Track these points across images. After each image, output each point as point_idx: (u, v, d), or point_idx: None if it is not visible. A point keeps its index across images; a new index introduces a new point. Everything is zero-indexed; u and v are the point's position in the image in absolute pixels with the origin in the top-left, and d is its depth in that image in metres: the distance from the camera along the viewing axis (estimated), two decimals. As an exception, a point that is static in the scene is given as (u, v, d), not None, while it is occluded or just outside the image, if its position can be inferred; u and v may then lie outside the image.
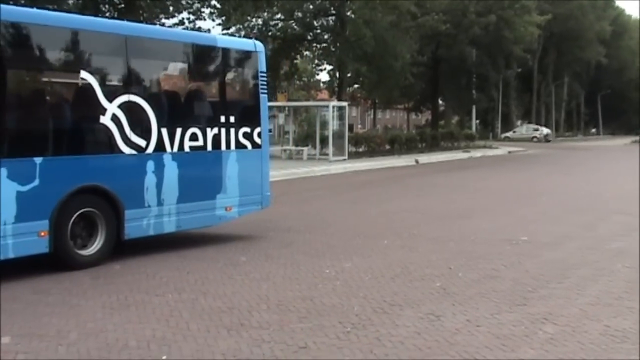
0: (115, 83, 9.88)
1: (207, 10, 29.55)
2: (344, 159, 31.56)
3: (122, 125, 9.38)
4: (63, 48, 9.21)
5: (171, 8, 27.10)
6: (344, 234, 11.79)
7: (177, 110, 10.72)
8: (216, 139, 10.71)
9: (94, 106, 9.18)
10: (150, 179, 9.76)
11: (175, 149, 10.09)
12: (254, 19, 38.90)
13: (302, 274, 8.64)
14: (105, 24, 10.23)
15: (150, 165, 9.77)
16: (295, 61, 45.87)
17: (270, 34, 40.41)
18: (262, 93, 11.66)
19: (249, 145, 11.24)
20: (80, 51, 9.37)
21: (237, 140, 11.03)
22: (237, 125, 11.06)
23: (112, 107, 9.31)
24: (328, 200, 17.56)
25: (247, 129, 11.21)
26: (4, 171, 8.05)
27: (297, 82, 58.40)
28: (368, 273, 8.67)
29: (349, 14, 38.43)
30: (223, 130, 10.82)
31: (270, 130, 40.83)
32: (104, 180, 9.22)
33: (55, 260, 8.74)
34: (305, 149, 33.26)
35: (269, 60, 41.19)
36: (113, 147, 9.34)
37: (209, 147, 10.62)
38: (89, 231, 9.14)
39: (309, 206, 16.19)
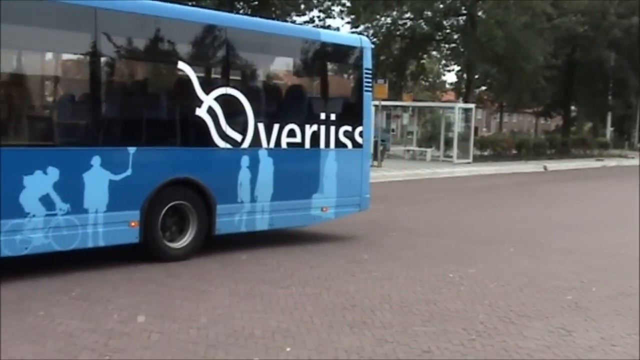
0: (212, 75, 9.87)
1: (337, 9, 29.85)
2: (468, 162, 30.99)
3: (217, 119, 9.25)
4: (161, 38, 9.09)
5: (302, 6, 27.50)
6: (468, 239, 11.57)
7: (275, 105, 10.59)
8: (315, 136, 10.41)
9: (190, 98, 9.09)
10: (244, 175, 9.56)
11: (272, 145, 9.85)
12: (382, 18, 38.86)
13: (425, 277, 8.54)
14: (205, 15, 9.90)
15: (245, 160, 9.57)
16: (422, 61, 45.47)
17: (398, 33, 40.25)
18: (366, 91, 11.19)
19: (350, 145, 10.87)
20: (178, 42, 9.23)
21: (337, 139, 10.67)
22: (338, 123, 10.70)
23: (208, 100, 9.18)
24: (451, 204, 17.30)
25: (348, 128, 10.85)
26: (98, 159, 8.09)
27: (423, 82, 57.94)
28: (494, 280, 8.46)
29: (480, 14, 37.63)
30: (323, 128, 10.50)
31: (393, 130, 40.91)
32: (197, 174, 9.08)
33: (145, 251, 8.74)
34: (428, 150, 32.92)
35: (395, 59, 41.21)
36: (208, 141, 9.19)
37: (307, 145, 10.32)
38: (180, 224, 9.10)
39: (431, 208, 16.01)
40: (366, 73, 11.18)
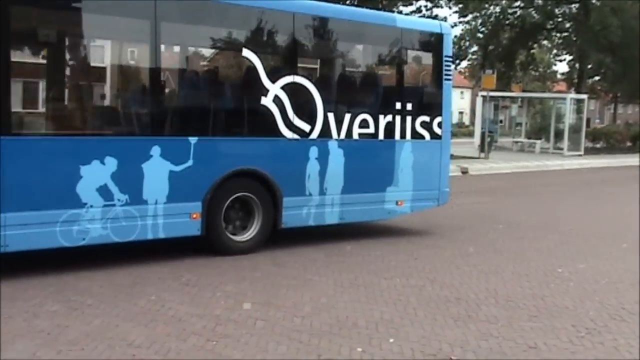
0: (279, 63, 9.50)
1: (445, -2, 29.40)
2: (580, 155, 29.93)
3: (284, 108, 8.92)
4: (225, 24, 8.81)
5: (410, -4, 27.32)
6: (578, 233, 11.18)
7: (346, 94, 10.17)
8: (389, 127, 9.93)
9: (255, 86, 8.79)
10: (312, 166, 9.21)
11: (343, 135, 9.47)
12: (491, 7, 38.00)
13: (533, 271, 8.32)
14: (269, 1, 9.04)
15: (314, 151, 9.21)
16: (532, 51, 44.18)
17: (507, 22, 39.26)
18: (446, 79, 10.66)
19: (427, 136, 10.36)
20: (242, 28, 8.92)
21: (413, 130, 10.17)
22: (415, 114, 10.20)
23: (274, 88, 8.84)
24: (561, 197, 16.74)
25: (426, 118, 10.32)
26: (157, 149, 7.91)
27: (533, 72, 56.28)
28: (605, 277, 8.14)
29: (594, 1, 36.15)
30: (398, 118, 10.01)
31: (500, 122, 39.94)
32: (262, 165, 8.78)
33: (207, 244, 8.55)
34: (538, 142, 32.03)
35: (504, 49, 40.22)
36: (274, 131, 8.85)
37: (381, 136, 9.87)
38: (245, 217, 8.87)
39: (540, 201, 15.56)
40: (446, 60, 10.70)
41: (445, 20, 29.28)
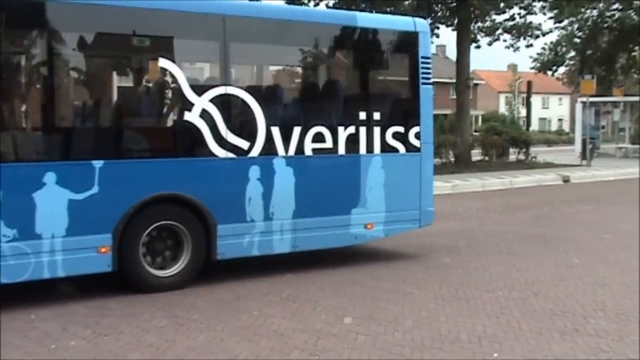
0: (207, 73, 8.68)
1: (538, 4, 28.66)
2: (690, 159, 28.44)
3: (215, 124, 7.84)
4: (137, 31, 7.76)
5: (502, 4, 26.76)
6: (693, 242, 10.61)
7: (295, 105, 9.23)
8: (352, 140, 8.76)
9: (176, 101, 7.94)
10: (253, 188, 8.09)
11: (292, 152, 8.34)
12: (588, 11, 36.81)
13: (644, 282, 7.97)
14: (198, 3, 7.98)
15: (255, 171, 8.10)
16: (633, 53, 42.47)
17: (605, 25, 37.91)
18: (424, 84, 9.35)
19: (402, 149, 9.12)
20: (159, 35, 7.91)
21: (383, 143, 8.97)
22: (385, 124, 9.00)
23: (201, 102, 7.77)
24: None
25: (400, 129, 9.10)
26: (52, 176, 6.92)
27: (635, 75, 54.07)
28: None
29: (699, -2, 34.43)
30: (362, 130, 8.83)
31: (602, 127, 38.55)
32: (188, 189, 7.69)
33: (124, 280, 7.55)
34: (643, 147, 30.69)
35: (603, 53, 38.82)
36: (202, 150, 7.81)
37: (342, 150, 8.70)
38: (176, 247, 7.80)
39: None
40: (424, 62, 9.37)
41: (539, 28, 28.59)
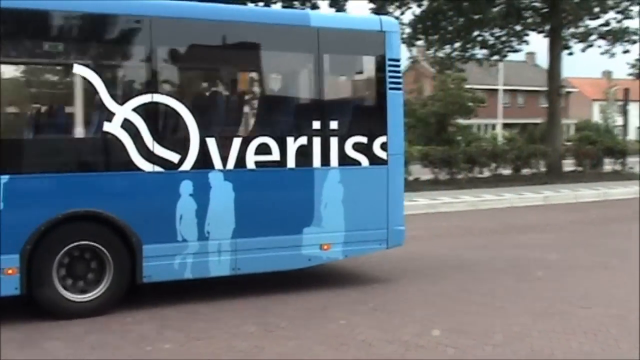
0: (129, 79, 7.87)
1: (636, 9, 27.63)
2: None
3: (139, 135, 7.26)
4: (49, 35, 7.27)
5: (596, 9, 25.96)
6: None
7: (234, 114, 8.49)
8: (303, 152, 7.98)
9: (94, 110, 7.38)
10: (185, 205, 7.43)
11: (231, 165, 7.66)
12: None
13: None
14: (121, 5, 7.43)
15: (187, 186, 7.45)
16: None
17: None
18: (393, 89, 8.47)
19: (364, 161, 8.27)
20: (72, 39, 7.39)
21: (342, 154, 8.16)
22: (343, 134, 8.22)
23: (123, 111, 7.21)
24: None
25: (362, 139, 8.27)
26: None
27: None
28: None
29: None
30: (316, 141, 8.05)
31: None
32: (108, 206, 7.11)
33: (38, 304, 6.98)
34: None
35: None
36: (124, 163, 7.23)
37: (291, 163, 7.93)
38: (98, 271, 7.20)
39: None
40: (391, 65, 8.49)
41: (637, 33, 27.57)
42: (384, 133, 8.41)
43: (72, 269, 7.09)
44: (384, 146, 8.39)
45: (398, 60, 8.60)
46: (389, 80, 8.46)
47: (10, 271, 6.73)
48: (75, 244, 7.06)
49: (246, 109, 8.79)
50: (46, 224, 6.87)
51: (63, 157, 7.25)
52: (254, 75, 9.14)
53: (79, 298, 7.08)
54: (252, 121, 8.63)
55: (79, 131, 7.59)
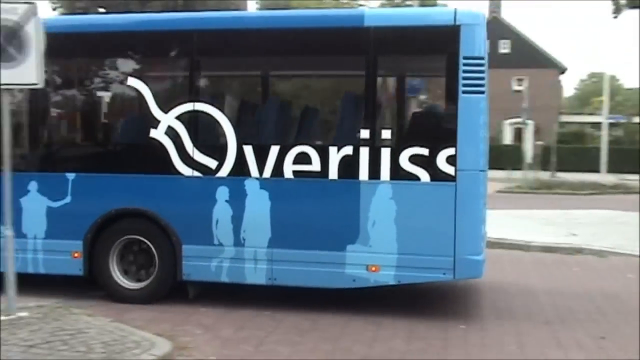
0: (173, 88, 8.73)
1: None
2: None
3: (181, 141, 7.93)
4: (114, 54, 8.45)
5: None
6: None
7: (273, 121, 8.27)
8: (347, 162, 7.58)
9: (142, 117, 8.20)
10: (221, 210, 7.81)
11: (267, 173, 7.72)
12: None
13: None
14: (166, 20, 8.54)
15: (223, 192, 7.82)
16: None
17: None
18: (467, 92, 7.38)
19: (424, 176, 7.45)
20: (127, 53, 8.38)
21: (395, 167, 7.50)
22: (398, 144, 7.62)
23: (167, 119, 7.97)
24: None
25: (422, 150, 7.47)
26: (34, 185, 8.20)
27: None
28: None
29: None
30: (364, 151, 7.57)
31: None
32: (153, 205, 8.00)
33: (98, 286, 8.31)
34: None
35: None
36: (167, 167, 7.94)
37: (333, 175, 7.62)
38: (146, 264, 8.23)
39: None
40: (467, 64, 7.38)
41: None
42: (452, 144, 7.40)
43: (126, 259, 8.25)
44: (450, 160, 7.41)
45: (477, 58, 7.40)
46: (462, 81, 7.37)
47: (76, 254, 8.15)
48: (127, 237, 8.18)
49: (286, 116, 8.61)
50: (102, 217, 8.11)
51: (115, 160, 8.42)
52: (295, 81, 9.43)
53: (130, 285, 8.21)
54: (290, 128, 8.52)
55: (128, 138, 8.65)
